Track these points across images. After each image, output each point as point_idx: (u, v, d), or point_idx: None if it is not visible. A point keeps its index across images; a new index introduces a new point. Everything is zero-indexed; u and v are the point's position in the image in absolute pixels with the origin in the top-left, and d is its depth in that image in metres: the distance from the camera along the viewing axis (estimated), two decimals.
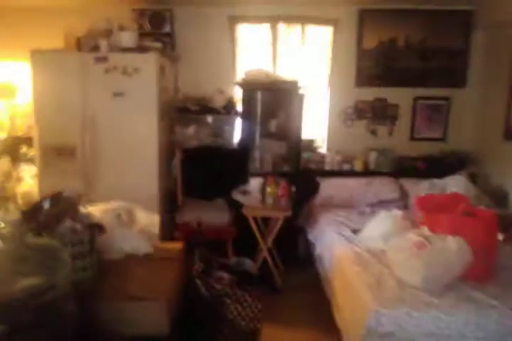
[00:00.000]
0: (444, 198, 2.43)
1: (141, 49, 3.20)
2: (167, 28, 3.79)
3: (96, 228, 1.86)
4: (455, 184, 3.22)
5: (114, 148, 3.18)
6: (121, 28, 3.29)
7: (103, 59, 3.11)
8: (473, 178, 3.47)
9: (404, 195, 3.38)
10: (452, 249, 2.06)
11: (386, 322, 1.86)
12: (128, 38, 3.20)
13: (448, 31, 3.80)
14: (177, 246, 2.35)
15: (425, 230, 2.23)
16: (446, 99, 3.89)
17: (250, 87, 3.51)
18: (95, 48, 3.14)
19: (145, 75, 3.11)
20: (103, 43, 3.13)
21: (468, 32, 3.80)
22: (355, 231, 2.75)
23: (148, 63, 3.12)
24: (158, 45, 3.38)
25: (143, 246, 2.15)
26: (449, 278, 2.06)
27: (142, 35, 3.52)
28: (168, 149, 3.49)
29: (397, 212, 2.58)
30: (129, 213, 2.27)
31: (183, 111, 3.58)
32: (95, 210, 2.24)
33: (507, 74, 3.42)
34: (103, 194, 3.04)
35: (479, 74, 3.85)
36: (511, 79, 3.37)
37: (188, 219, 3.03)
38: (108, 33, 3.23)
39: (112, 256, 2.11)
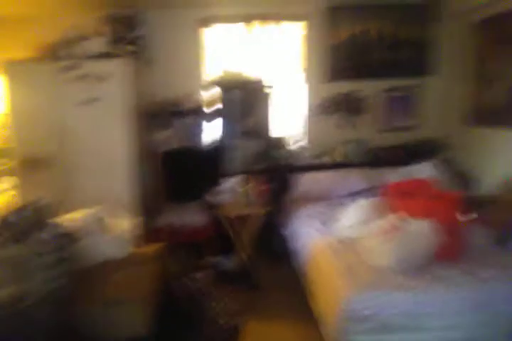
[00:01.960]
0: (412, 184, 2.50)
1: (112, 54, 3.21)
2: (138, 32, 3.78)
3: (66, 237, 1.86)
4: (424, 170, 3.31)
5: (90, 156, 3.18)
6: (91, 35, 3.29)
7: (74, 67, 3.12)
8: (441, 164, 3.57)
9: (377, 184, 3.44)
10: (421, 232, 2.14)
11: (361, 306, 1.91)
12: (98, 44, 3.22)
13: (413, 23, 3.90)
14: (154, 249, 2.36)
15: (395, 216, 2.30)
16: (413, 89, 3.99)
17: (220, 87, 3.54)
18: (66, 56, 3.14)
19: (117, 81, 3.13)
20: (73, 51, 3.14)
21: (432, 23, 3.90)
22: (330, 223, 2.80)
23: (120, 68, 3.14)
24: (129, 49, 3.40)
25: (120, 251, 2.16)
26: (420, 259, 2.13)
27: (113, 40, 3.51)
28: (144, 154, 3.50)
29: (368, 201, 2.64)
30: (105, 219, 2.28)
31: (155, 115, 3.60)
32: (71, 218, 2.25)
33: (469, 63, 3.53)
34: (81, 202, 3.00)
35: (444, 64, 3.94)
36: (474, 67, 3.49)
37: (166, 222, 3.04)
38: (78, 40, 3.23)
39: (90, 262, 2.11)
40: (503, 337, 1.97)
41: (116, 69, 3.09)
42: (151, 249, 2.37)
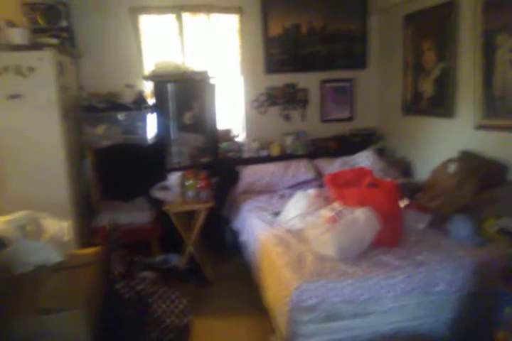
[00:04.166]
0: (351, 173, 2.57)
1: (35, 46, 2.97)
2: (64, 23, 3.54)
3: None
4: (364, 159, 3.43)
5: (16, 156, 2.93)
6: (10, 25, 3.02)
7: None
8: (380, 153, 3.72)
9: (319, 175, 3.53)
10: (361, 220, 2.20)
11: (307, 296, 1.94)
12: (18, 35, 2.94)
13: (347, 16, 3.99)
14: (93, 251, 2.23)
15: (337, 205, 2.36)
16: (351, 80, 4.10)
17: (160, 79, 3.42)
18: None
19: (42, 74, 2.89)
20: None
21: (364, 16, 4.02)
22: (275, 214, 2.82)
23: (45, 61, 2.90)
24: (54, 41, 3.16)
25: (54, 256, 2.01)
26: (361, 246, 2.19)
27: (35, 31, 3.26)
28: (79, 151, 3.31)
29: (311, 191, 2.68)
30: (35, 223, 2.12)
31: (89, 109, 3.41)
32: None
33: (400, 55, 3.68)
34: (11, 206, 2.79)
35: (377, 56, 4.10)
36: (404, 59, 3.64)
37: (107, 222, 2.90)
38: None
39: (21, 270, 1.96)
40: (444, 317, 2.08)
41: (41, 62, 2.87)
42: (90, 251, 2.25)
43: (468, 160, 2.69)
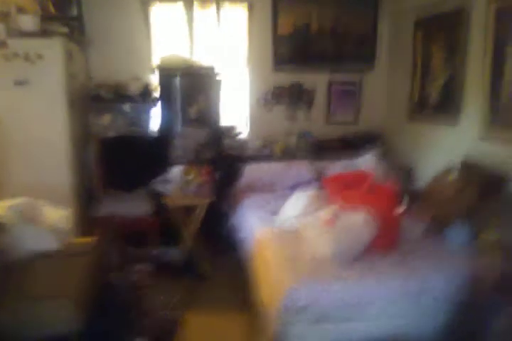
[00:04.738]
0: (351, 176, 2.58)
1: (44, 34, 2.98)
2: (74, 11, 3.56)
3: None
4: (366, 163, 3.43)
5: (20, 142, 2.96)
6: (21, 11, 3.03)
7: (2, 45, 2.86)
8: (382, 157, 3.71)
9: (320, 176, 3.53)
10: (358, 223, 2.21)
11: (301, 296, 1.94)
12: (29, 22, 2.96)
13: (357, 17, 3.99)
14: (91, 241, 2.27)
15: (334, 207, 2.37)
16: (356, 82, 4.09)
17: (167, 72, 3.43)
18: None
19: (50, 62, 2.92)
20: (0, 27, 2.87)
21: (375, 18, 4.01)
22: (274, 213, 2.83)
23: (53, 49, 2.93)
24: (63, 29, 3.17)
25: (51, 243, 2.05)
26: (357, 250, 2.20)
27: (46, 19, 3.26)
28: (83, 140, 3.33)
29: (310, 192, 2.69)
30: (34, 209, 2.15)
31: (96, 99, 3.42)
32: None
33: (409, 59, 3.67)
34: (13, 192, 2.82)
35: (386, 59, 4.09)
36: (413, 63, 3.63)
37: (107, 212, 2.93)
38: (5, 16, 2.97)
39: (18, 255, 1.99)
40: (436, 324, 2.08)
41: (50, 49, 2.90)
42: (88, 241, 2.28)
43: (469, 170, 2.69)
